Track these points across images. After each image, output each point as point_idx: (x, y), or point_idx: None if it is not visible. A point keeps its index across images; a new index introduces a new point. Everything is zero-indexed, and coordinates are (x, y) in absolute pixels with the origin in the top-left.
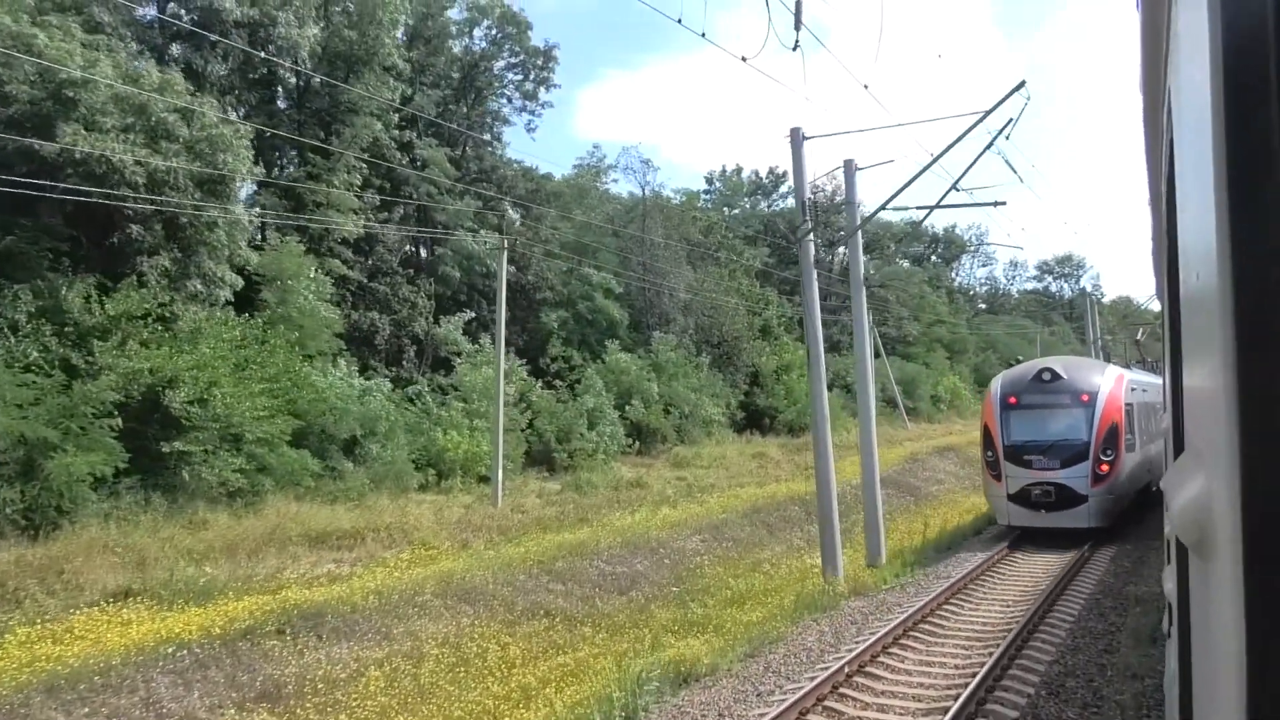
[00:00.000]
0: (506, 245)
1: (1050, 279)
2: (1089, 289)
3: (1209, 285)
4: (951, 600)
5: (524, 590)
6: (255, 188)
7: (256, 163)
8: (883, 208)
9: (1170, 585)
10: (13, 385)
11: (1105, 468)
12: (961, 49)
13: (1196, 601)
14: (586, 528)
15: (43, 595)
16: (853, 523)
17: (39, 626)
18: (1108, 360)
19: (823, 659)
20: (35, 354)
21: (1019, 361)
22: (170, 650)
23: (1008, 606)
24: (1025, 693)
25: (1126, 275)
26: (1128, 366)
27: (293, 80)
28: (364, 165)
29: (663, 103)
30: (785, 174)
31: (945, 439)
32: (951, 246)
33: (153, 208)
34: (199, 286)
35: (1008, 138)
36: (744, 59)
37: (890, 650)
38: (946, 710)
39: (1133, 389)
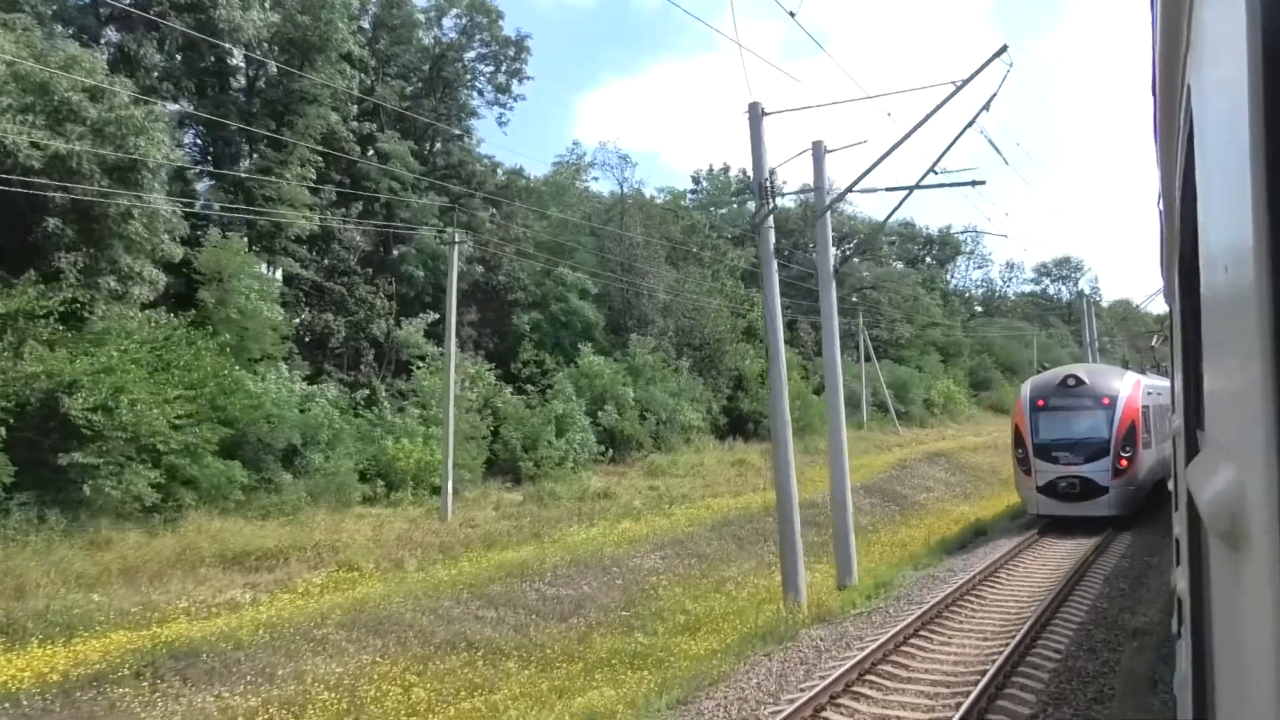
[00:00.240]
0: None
1: (1048, 281)
2: (1087, 291)
3: (1240, 279)
4: (922, 632)
5: (448, 618)
6: (209, 181)
7: (205, 157)
8: (850, 188)
9: (1182, 584)
10: None
11: (1124, 463)
12: (958, 52)
13: (1220, 595)
14: (537, 544)
15: None
16: (830, 536)
17: None
18: (1126, 367)
19: (757, 712)
20: None
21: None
22: None
23: (984, 639)
24: None
25: (1125, 278)
26: (1143, 372)
27: (243, 69)
28: (320, 159)
29: (662, 108)
30: (773, 172)
31: (937, 444)
32: (946, 248)
33: (67, 197)
34: (113, 284)
35: (986, 108)
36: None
37: (839, 701)
38: None
39: (1148, 393)
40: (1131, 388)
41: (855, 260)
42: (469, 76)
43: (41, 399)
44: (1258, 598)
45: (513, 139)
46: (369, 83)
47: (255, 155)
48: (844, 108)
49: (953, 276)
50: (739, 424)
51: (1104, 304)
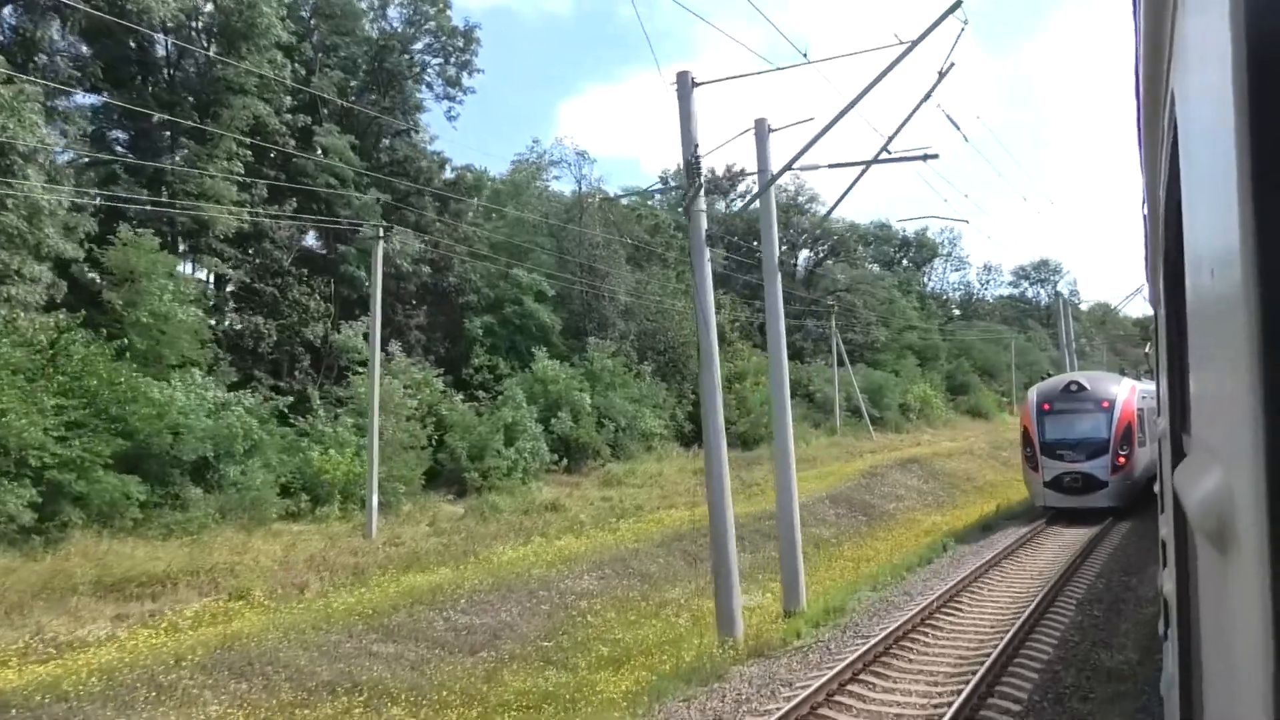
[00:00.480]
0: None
1: (1026, 284)
2: (1065, 294)
3: (1226, 282)
4: (864, 675)
5: (334, 655)
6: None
7: (132, 150)
8: (791, 164)
9: (1169, 586)
10: None
11: (1122, 460)
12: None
13: (1208, 597)
14: (462, 564)
15: None
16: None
17: None
18: (1123, 373)
19: None
20: None
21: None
22: None
23: (934, 684)
24: None
25: (1105, 281)
26: (1138, 378)
27: (164, 57)
28: (251, 154)
29: (642, 115)
30: (743, 171)
31: (912, 450)
32: (923, 250)
33: None
34: None
35: (943, 76)
36: None
37: None
38: None
39: (1143, 396)
40: (1128, 392)
41: (829, 263)
42: (417, 69)
43: None
44: (1245, 598)
45: (489, 144)
46: (304, 74)
47: (180, 149)
48: (800, 92)
49: (930, 279)
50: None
51: (1083, 307)
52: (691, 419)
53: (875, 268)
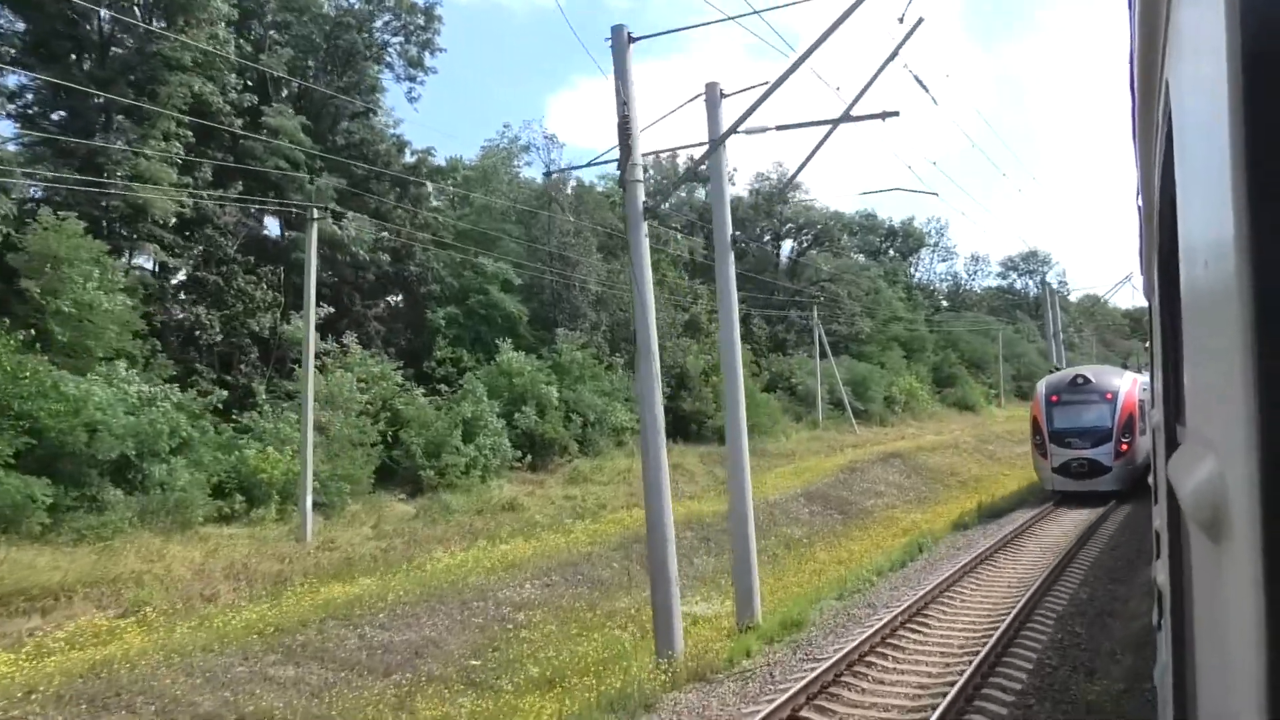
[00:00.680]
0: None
1: (1015, 275)
2: (1054, 285)
3: (1221, 273)
4: (809, 708)
5: (223, 681)
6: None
7: (64, 132)
8: (737, 126)
9: (1163, 577)
10: None
11: (1125, 446)
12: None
13: (1201, 586)
14: (396, 571)
15: None
16: (759, 550)
17: None
18: (1124, 367)
19: None
20: None
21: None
22: None
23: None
24: None
25: (1096, 274)
26: (1139, 371)
27: (97, 31)
28: (193, 135)
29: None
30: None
31: (895, 444)
32: (909, 240)
33: None
34: None
35: (902, 20)
36: None
37: None
38: None
39: (1143, 388)
40: (1130, 384)
41: (813, 252)
42: (376, 48)
43: None
44: (1238, 587)
45: (478, 138)
46: (253, 52)
47: (117, 131)
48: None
49: (916, 270)
50: (681, 425)
51: (1072, 298)
52: (668, 412)
53: (861, 258)
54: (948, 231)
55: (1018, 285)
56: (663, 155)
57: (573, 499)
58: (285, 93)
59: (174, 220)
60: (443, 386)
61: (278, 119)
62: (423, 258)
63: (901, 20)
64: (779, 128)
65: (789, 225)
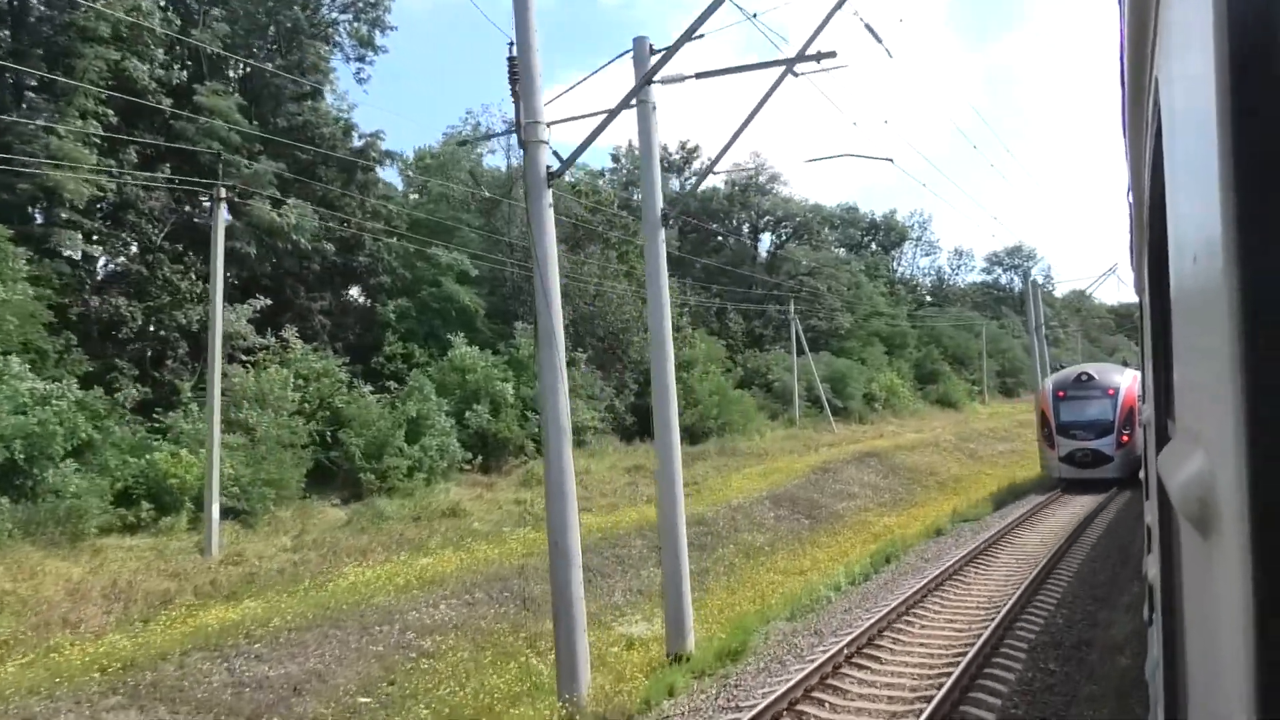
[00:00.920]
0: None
1: (1000, 270)
2: (1039, 280)
3: (1210, 267)
4: None
5: None
6: None
7: None
8: (657, 70)
9: (1154, 571)
10: None
11: (1125, 438)
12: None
13: (1192, 580)
14: (293, 592)
15: None
16: (715, 560)
17: None
18: (1125, 365)
19: None
20: None
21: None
22: None
23: None
24: None
25: (1082, 270)
26: (1139, 369)
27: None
28: (115, 114)
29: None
30: (698, 148)
31: (873, 443)
32: (891, 234)
33: None
34: None
35: None
36: None
37: None
38: None
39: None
40: (1130, 380)
41: (791, 245)
42: (323, 25)
43: None
44: (1228, 581)
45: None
46: (181, 25)
47: (34, 110)
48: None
49: (899, 264)
50: (650, 423)
51: (1057, 294)
52: (634, 411)
53: (842, 252)
54: (931, 225)
55: (1003, 280)
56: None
57: (522, 503)
58: (234, 74)
59: (98, 206)
60: (392, 384)
61: (211, 98)
62: (373, 248)
63: None
64: (698, 75)
65: (767, 218)
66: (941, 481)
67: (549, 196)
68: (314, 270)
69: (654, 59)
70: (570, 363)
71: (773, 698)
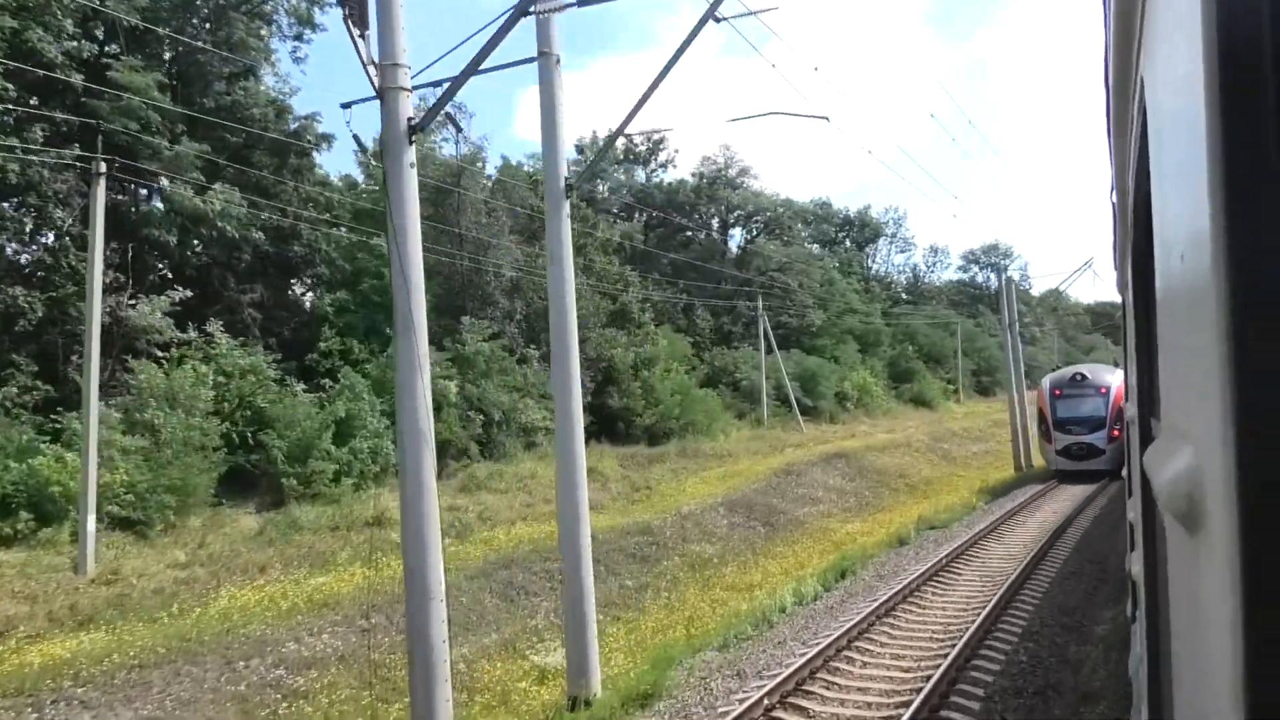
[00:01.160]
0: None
1: (976, 269)
2: (1013, 276)
3: (1198, 264)
4: None
5: None
6: None
7: None
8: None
9: (1137, 569)
10: None
11: (1116, 433)
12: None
13: (1177, 577)
14: (157, 618)
15: None
16: (657, 574)
17: None
18: (1116, 365)
19: None
20: None
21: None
22: None
23: None
24: None
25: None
26: (1123, 368)
27: None
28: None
29: (603, 103)
30: (664, 139)
31: (843, 443)
32: (865, 230)
33: None
34: None
35: None
36: None
37: None
38: None
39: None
40: (1121, 380)
41: (761, 239)
42: (257, 1)
43: None
44: (1214, 576)
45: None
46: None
47: None
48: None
49: (874, 261)
50: (608, 424)
51: (1034, 292)
52: (591, 410)
53: (815, 248)
54: (906, 222)
55: (979, 279)
56: (600, 137)
57: (457, 510)
58: (159, 53)
59: None
60: (327, 382)
61: (128, 75)
62: (310, 237)
63: None
64: (580, 3)
65: (738, 213)
66: (912, 484)
67: (411, 154)
68: (244, 261)
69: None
70: (521, 360)
71: None
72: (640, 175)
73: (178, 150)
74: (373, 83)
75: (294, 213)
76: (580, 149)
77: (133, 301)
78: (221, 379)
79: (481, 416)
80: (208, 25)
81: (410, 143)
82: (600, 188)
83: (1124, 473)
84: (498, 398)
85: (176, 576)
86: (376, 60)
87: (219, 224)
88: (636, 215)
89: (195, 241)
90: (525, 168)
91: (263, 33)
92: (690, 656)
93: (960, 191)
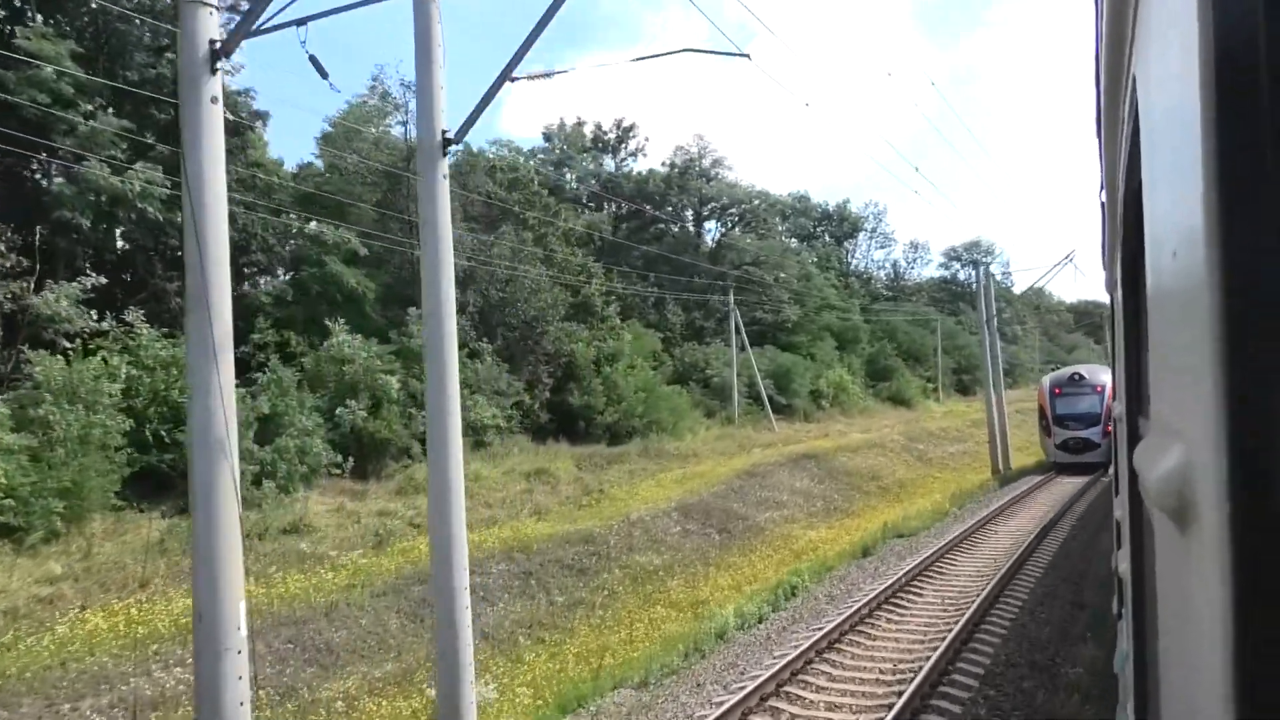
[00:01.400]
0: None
1: (958, 265)
2: (993, 272)
3: (1190, 262)
4: None
5: None
6: None
7: None
8: None
9: (1124, 566)
10: None
11: (1110, 428)
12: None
13: (1165, 573)
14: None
15: None
16: (594, 588)
17: None
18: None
19: None
20: None
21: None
22: None
23: None
24: None
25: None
26: (1111, 367)
27: None
28: None
29: (587, 100)
30: (633, 127)
31: (814, 443)
32: (844, 224)
33: None
34: None
35: None
36: None
37: None
38: None
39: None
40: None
41: (736, 231)
42: None
43: None
44: (1204, 573)
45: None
46: None
47: None
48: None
49: (853, 257)
50: (567, 422)
51: (1016, 291)
52: (550, 408)
53: (793, 242)
54: (886, 217)
55: (961, 276)
56: (569, 124)
57: (388, 515)
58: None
59: None
60: (260, 375)
61: (37, 42)
62: (245, 221)
63: None
64: None
65: (712, 205)
66: (884, 487)
67: (215, 87)
68: (171, 245)
69: None
70: (473, 355)
71: None
72: (609, 164)
73: (93, 126)
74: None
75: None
76: (548, 137)
77: (38, 288)
78: (137, 372)
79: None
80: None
81: (213, 72)
82: (567, 176)
83: (1110, 472)
84: None
85: (38, 595)
86: None
87: (139, 205)
88: (607, 206)
89: (116, 226)
90: (487, 153)
91: None
92: (601, 696)
93: (945, 187)
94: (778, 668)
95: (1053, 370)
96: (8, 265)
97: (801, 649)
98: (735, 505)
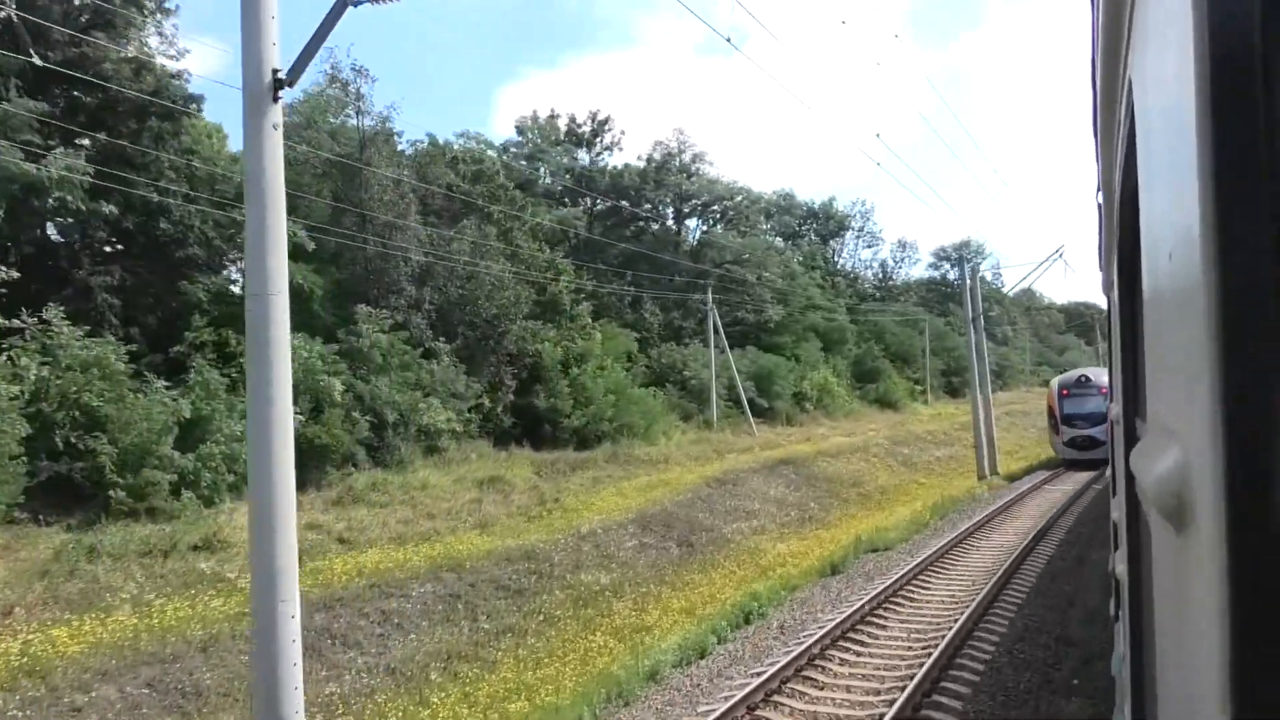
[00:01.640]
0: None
1: (948, 266)
2: (981, 272)
3: (1187, 263)
4: None
5: None
6: None
7: None
8: None
9: (1121, 567)
10: None
11: None
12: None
13: (1162, 575)
14: None
15: None
16: (529, 612)
17: None
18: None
19: None
20: None
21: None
22: None
23: None
24: None
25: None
26: (1108, 368)
27: None
28: None
29: (580, 100)
30: (608, 120)
31: (794, 448)
32: (830, 222)
33: None
34: None
35: None
36: None
37: None
38: None
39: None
40: None
41: (718, 229)
42: None
43: None
44: (1201, 574)
45: (430, 123)
46: None
47: None
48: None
49: (840, 256)
50: (532, 426)
51: (1007, 292)
52: (513, 411)
53: (778, 241)
54: (873, 216)
55: (950, 276)
56: (542, 117)
57: (315, 529)
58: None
59: None
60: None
61: None
62: (181, 214)
63: None
64: None
65: (692, 202)
66: (865, 494)
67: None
68: (100, 238)
69: None
70: (429, 354)
71: None
72: (584, 158)
73: (5, 108)
74: None
75: (145, 183)
76: (520, 130)
77: None
78: (47, 374)
79: (372, 418)
80: None
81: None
82: (541, 171)
83: (1108, 472)
84: (393, 396)
85: None
86: None
87: (58, 194)
88: (582, 202)
89: (32, 216)
90: (454, 146)
91: None
92: None
93: (938, 185)
94: (744, 694)
95: (1059, 373)
96: None
97: (735, 700)
98: (701, 515)
